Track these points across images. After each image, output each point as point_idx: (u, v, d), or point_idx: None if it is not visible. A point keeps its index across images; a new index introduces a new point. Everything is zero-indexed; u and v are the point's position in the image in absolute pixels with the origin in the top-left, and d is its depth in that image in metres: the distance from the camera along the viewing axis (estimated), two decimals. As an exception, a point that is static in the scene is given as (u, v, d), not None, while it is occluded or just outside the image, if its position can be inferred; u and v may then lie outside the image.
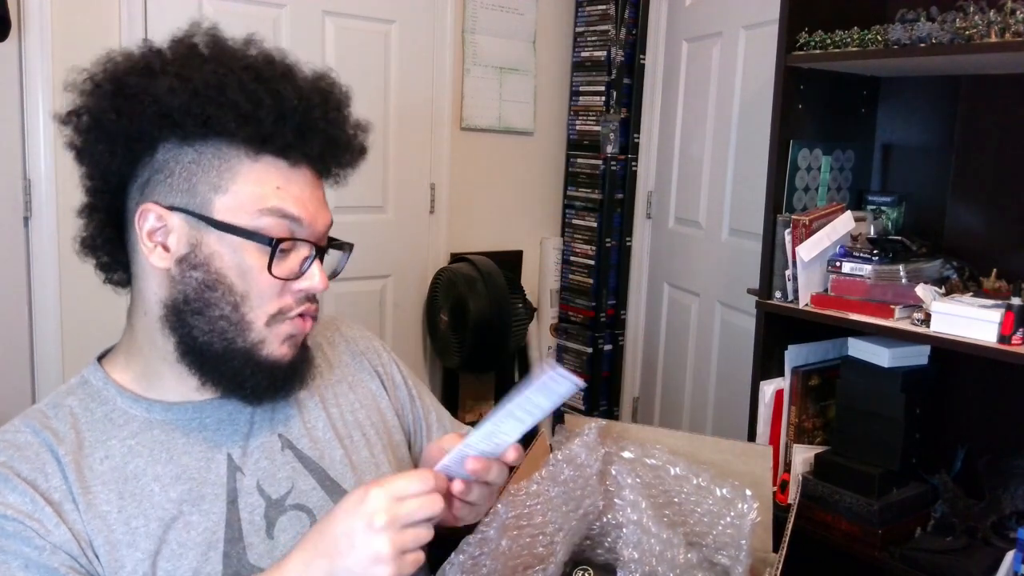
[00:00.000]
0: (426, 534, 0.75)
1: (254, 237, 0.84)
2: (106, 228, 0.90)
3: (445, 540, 0.90)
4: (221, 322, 0.84)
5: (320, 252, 0.89)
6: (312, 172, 0.89)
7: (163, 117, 0.82)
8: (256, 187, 0.84)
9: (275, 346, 0.87)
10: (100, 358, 0.94)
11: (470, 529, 0.93)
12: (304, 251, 0.87)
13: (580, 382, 0.78)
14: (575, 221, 3.12)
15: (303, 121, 0.85)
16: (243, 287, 0.84)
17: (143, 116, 0.82)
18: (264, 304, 0.85)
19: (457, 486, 0.84)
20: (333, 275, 0.93)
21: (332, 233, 0.94)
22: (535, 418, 0.80)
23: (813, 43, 1.71)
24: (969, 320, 1.46)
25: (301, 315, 0.89)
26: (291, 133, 0.84)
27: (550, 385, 0.76)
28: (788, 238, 1.72)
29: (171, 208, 0.84)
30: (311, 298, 0.89)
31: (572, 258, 3.13)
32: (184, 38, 0.88)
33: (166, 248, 0.85)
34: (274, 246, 0.84)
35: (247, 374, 0.86)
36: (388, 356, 1.12)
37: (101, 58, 0.86)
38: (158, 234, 0.85)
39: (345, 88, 0.94)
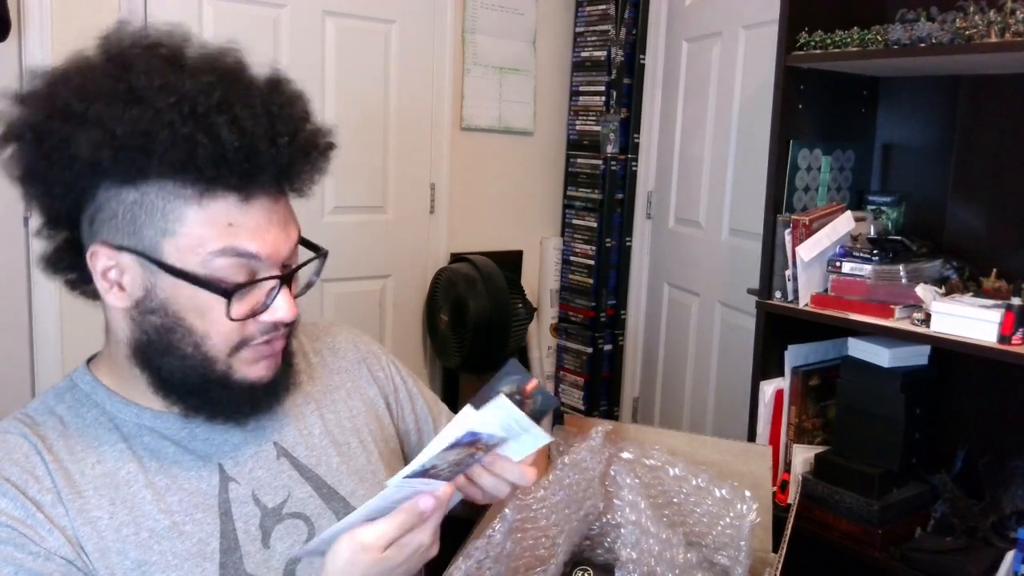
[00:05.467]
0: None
1: (208, 286, 0.79)
2: (66, 252, 0.87)
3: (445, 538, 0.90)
4: (188, 360, 0.82)
5: (285, 280, 0.84)
6: (269, 197, 0.82)
7: (93, 166, 0.77)
8: (207, 228, 0.78)
9: (246, 369, 0.85)
10: (89, 361, 0.92)
11: (468, 520, 0.94)
12: (268, 282, 0.83)
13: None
14: (575, 221, 3.12)
15: (248, 158, 0.77)
16: (203, 328, 0.81)
17: (72, 166, 0.77)
18: (227, 340, 0.82)
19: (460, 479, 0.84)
20: (307, 287, 0.90)
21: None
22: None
23: (813, 43, 1.71)
24: (969, 320, 1.46)
25: (268, 341, 0.85)
26: (236, 175, 0.77)
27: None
28: (788, 238, 1.72)
29: (120, 248, 0.80)
30: (279, 325, 0.85)
31: (572, 258, 3.13)
32: (111, 47, 0.80)
33: (122, 287, 0.82)
34: (229, 296, 0.79)
35: (226, 401, 0.84)
36: (387, 359, 1.10)
37: (31, 79, 0.80)
38: (112, 273, 0.81)
39: (300, 93, 0.86)
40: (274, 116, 0.81)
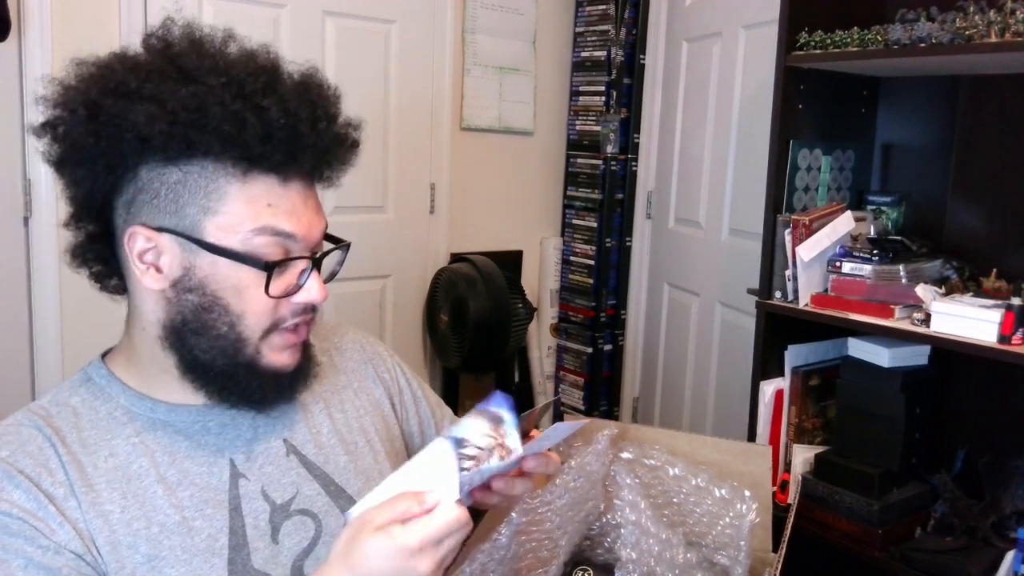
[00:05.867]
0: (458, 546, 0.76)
1: (248, 261, 0.82)
2: (95, 242, 0.88)
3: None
4: (221, 340, 0.83)
5: (316, 263, 0.87)
6: (304, 182, 0.86)
7: (143, 142, 0.79)
8: (247, 206, 0.82)
9: (274, 356, 0.87)
10: (104, 355, 0.93)
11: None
12: (300, 264, 0.86)
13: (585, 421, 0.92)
14: (575, 221, 3.12)
15: (291, 138, 0.82)
16: (239, 307, 0.83)
17: (122, 141, 0.79)
18: (261, 321, 0.84)
19: (497, 484, 0.85)
20: (331, 276, 0.92)
21: (333, 232, 0.93)
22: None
23: (813, 43, 1.71)
24: (969, 320, 1.46)
25: (296, 325, 0.88)
26: (280, 153, 0.81)
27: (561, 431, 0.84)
28: (788, 238, 1.72)
29: (159, 229, 0.82)
30: (308, 308, 0.88)
31: (572, 258, 3.13)
32: (158, 42, 0.85)
33: (159, 269, 0.83)
34: (270, 271, 0.82)
35: (253, 387, 0.86)
36: (393, 361, 1.11)
37: (71, 69, 0.83)
38: (149, 255, 0.83)
39: (334, 88, 0.90)
40: (314, 103, 0.85)
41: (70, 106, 0.82)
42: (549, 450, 0.90)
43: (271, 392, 0.88)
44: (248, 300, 0.83)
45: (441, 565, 0.73)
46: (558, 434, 0.87)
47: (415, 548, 0.71)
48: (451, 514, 0.73)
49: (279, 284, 0.84)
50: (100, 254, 0.89)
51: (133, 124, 0.78)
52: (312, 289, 0.86)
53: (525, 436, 0.84)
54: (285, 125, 0.81)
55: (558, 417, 3.13)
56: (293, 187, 0.84)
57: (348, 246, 0.94)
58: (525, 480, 0.88)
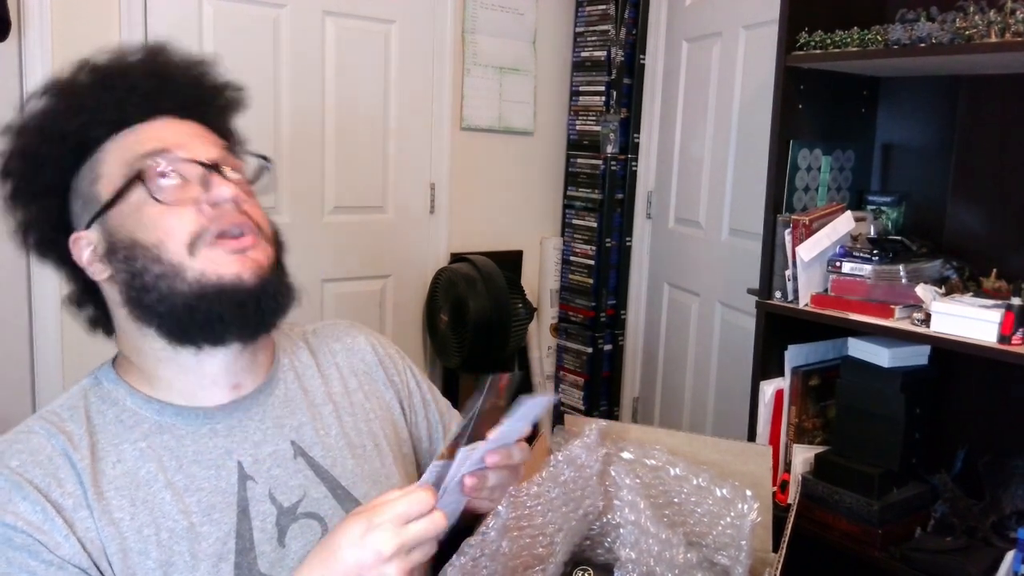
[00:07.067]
0: (431, 549, 0.75)
1: (129, 184, 0.85)
2: (85, 292, 0.93)
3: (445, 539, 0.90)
4: (160, 281, 0.83)
5: (213, 167, 0.88)
6: (173, 117, 0.91)
7: (48, 142, 0.87)
8: (119, 156, 0.87)
9: (215, 268, 0.84)
10: (115, 360, 0.93)
11: (471, 530, 0.93)
12: (193, 172, 0.87)
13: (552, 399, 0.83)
14: (575, 221, 3.12)
15: (130, 89, 0.88)
16: (154, 236, 0.84)
17: (40, 144, 0.87)
18: (180, 237, 0.84)
19: (469, 480, 0.83)
20: (261, 171, 0.95)
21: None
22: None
23: (813, 43, 1.71)
24: (969, 320, 1.46)
25: (222, 235, 0.85)
26: (130, 105, 0.88)
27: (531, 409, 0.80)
28: (788, 238, 1.72)
29: (87, 226, 0.87)
30: (224, 203, 0.86)
31: (572, 258, 3.13)
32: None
33: (101, 261, 0.88)
34: (139, 176, 0.85)
35: (215, 311, 0.84)
36: (404, 364, 1.10)
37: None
38: (87, 254, 0.88)
39: (194, 57, 0.96)
40: (153, 57, 0.93)
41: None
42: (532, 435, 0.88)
43: (236, 312, 0.84)
44: (155, 225, 0.84)
45: (401, 549, 0.72)
46: (526, 413, 0.82)
47: (376, 523, 0.72)
48: (415, 497, 0.73)
49: (179, 193, 0.86)
50: (85, 291, 0.93)
51: (33, 117, 0.88)
52: (215, 186, 0.86)
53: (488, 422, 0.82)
54: (115, 76, 0.89)
55: (558, 420, 3.13)
56: (158, 122, 0.90)
57: (268, 160, 0.96)
58: (498, 472, 0.85)
